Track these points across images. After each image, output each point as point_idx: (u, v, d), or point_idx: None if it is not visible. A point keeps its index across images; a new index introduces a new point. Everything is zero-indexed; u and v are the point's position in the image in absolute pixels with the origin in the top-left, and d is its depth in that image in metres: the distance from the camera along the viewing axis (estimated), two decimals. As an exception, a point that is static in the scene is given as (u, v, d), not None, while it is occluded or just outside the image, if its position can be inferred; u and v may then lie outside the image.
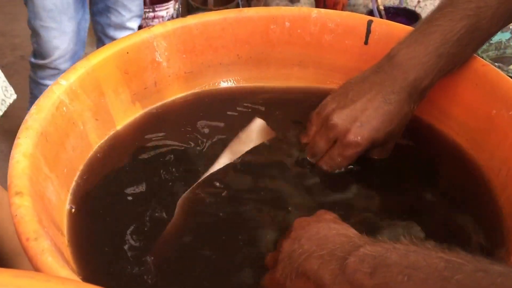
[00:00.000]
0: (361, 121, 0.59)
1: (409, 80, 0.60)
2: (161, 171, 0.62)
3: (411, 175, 0.62)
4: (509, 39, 1.17)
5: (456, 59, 0.61)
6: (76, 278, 0.40)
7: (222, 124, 0.68)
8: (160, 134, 0.67)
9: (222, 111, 0.71)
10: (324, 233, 0.44)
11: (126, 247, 0.53)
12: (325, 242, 0.42)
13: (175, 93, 0.72)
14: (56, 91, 0.57)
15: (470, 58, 0.63)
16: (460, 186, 0.61)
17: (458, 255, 0.37)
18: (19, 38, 2.48)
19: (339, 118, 0.60)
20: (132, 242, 0.53)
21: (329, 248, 0.41)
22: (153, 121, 0.69)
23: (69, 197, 0.57)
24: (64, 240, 0.50)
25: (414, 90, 0.60)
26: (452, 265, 0.36)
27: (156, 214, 0.56)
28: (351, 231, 0.45)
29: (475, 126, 0.62)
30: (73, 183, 0.58)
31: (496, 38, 1.17)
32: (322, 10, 0.71)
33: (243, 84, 0.74)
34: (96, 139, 0.63)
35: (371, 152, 0.62)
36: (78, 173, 0.59)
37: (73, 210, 0.55)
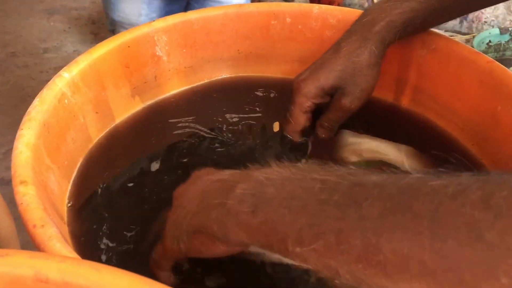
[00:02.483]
0: (309, 71, 0.62)
1: (361, 22, 0.61)
2: (159, 164, 0.62)
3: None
4: (508, 41, 1.18)
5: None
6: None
7: (221, 119, 0.68)
8: (159, 128, 0.67)
9: (223, 105, 0.71)
10: (201, 189, 0.43)
11: (126, 237, 0.53)
12: (204, 196, 0.42)
13: (175, 88, 0.72)
14: (59, 83, 0.57)
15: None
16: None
17: (333, 172, 0.36)
18: (10, 35, 2.46)
19: (297, 78, 0.63)
20: (132, 232, 0.53)
21: (209, 199, 0.41)
22: (152, 115, 0.69)
23: (69, 188, 0.56)
24: (67, 230, 0.50)
25: (366, 29, 0.61)
26: (328, 185, 0.35)
27: (154, 205, 0.56)
28: (225, 173, 0.44)
29: (480, 122, 0.63)
30: (73, 175, 0.58)
31: (495, 40, 1.18)
32: (323, 6, 0.71)
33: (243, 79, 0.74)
34: (95, 132, 0.63)
35: (340, 103, 0.62)
36: (78, 165, 0.59)
37: (69, 204, 0.55)
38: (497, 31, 1.17)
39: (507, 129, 0.59)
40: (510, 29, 1.16)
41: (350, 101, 0.62)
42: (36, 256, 0.27)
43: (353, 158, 0.62)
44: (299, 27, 0.72)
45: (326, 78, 0.61)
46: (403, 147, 0.63)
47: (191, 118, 0.68)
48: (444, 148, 0.65)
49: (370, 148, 0.63)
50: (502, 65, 0.62)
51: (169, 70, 0.70)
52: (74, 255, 0.38)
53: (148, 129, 0.67)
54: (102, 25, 2.47)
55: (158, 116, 0.69)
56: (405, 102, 0.71)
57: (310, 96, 0.61)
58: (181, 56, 0.70)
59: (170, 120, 0.68)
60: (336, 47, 0.62)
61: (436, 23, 0.66)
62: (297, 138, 0.64)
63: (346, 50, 0.61)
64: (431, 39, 0.67)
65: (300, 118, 0.62)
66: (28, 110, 0.53)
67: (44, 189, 0.48)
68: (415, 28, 0.63)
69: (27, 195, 0.43)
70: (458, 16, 0.66)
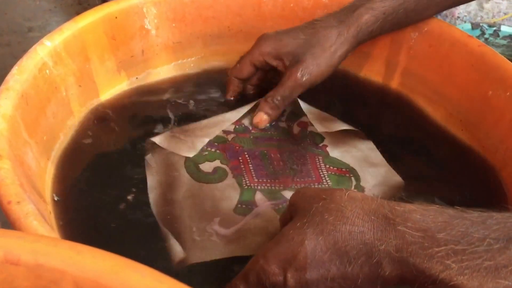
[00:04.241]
0: (276, 33, 0.63)
1: (342, 8, 0.62)
2: (144, 142, 0.59)
3: (404, 155, 0.61)
4: (478, 36, 1.17)
5: None
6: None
7: (207, 97, 0.66)
8: (145, 105, 0.64)
9: (209, 84, 0.68)
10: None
11: (111, 217, 0.51)
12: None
13: (162, 64, 0.69)
14: (40, 52, 0.54)
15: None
16: (454, 166, 0.60)
17: None
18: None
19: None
20: (116, 211, 0.51)
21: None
22: (138, 91, 0.66)
23: (48, 165, 0.54)
24: (47, 207, 0.48)
25: (344, 13, 0.61)
26: None
27: (140, 186, 0.54)
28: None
29: (470, 106, 0.61)
30: (53, 153, 0.55)
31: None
32: (317, -15, 0.69)
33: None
34: (78, 107, 0.60)
35: (291, 72, 0.60)
36: (58, 142, 0.57)
37: (56, 199, 0.51)
38: (468, 26, 1.17)
39: (497, 114, 0.58)
40: (481, 24, 1.16)
41: (301, 72, 0.59)
42: (7, 234, 0.25)
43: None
44: (291, 5, 0.70)
45: (287, 43, 0.61)
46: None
47: (178, 95, 0.66)
48: (429, 133, 0.64)
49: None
50: (493, 50, 0.60)
51: (157, 45, 0.67)
52: (54, 234, 0.36)
53: (133, 105, 0.64)
54: (88, 6, 2.40)
55: (144, 92, 0.66)
56: (394, 85, 0.69)
57: (264, 53, 0.62)
58: (170, 31, 0.68)
59: (156, 97, 0.65)
60: (310, 22, 0.63)
61: (421, 15, 0.65)
62: (235, 88, 0.65)
63: (318, 25, 0.61)
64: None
65: (245, 66, 0.63)
66: (5, 79, 0.50)
67: (21, 164, 0.45)
68: (398, 20, 0.62)
69: (2, 169, 0.40)
70: (441, 10, 0.67)
